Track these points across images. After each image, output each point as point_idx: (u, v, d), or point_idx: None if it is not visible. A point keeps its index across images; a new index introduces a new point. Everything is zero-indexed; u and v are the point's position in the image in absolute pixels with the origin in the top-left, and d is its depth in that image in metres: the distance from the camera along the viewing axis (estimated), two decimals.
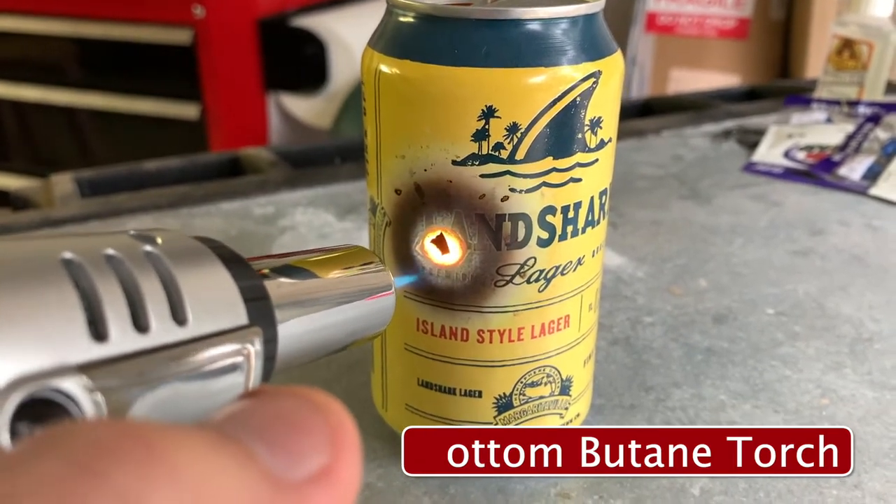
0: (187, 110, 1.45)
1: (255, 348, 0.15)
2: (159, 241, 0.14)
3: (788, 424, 0.33)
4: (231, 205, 0.55)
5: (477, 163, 0.25)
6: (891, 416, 0.33)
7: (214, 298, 0.14)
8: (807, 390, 0.35)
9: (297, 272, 0.19)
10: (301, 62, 1.44)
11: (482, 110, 0.24)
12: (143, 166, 0.63)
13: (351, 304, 0.21)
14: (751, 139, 0.67)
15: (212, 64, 1.41)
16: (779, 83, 0.89)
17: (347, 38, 1.37)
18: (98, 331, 0.12)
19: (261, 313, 0.16)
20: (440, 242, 0.26)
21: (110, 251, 0.13)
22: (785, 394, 0.35)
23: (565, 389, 0.29)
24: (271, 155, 0.65)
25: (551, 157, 0.25)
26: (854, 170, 0.58)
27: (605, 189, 0.28)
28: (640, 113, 0.79)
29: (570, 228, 0.26)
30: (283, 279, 0.18)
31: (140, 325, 0.13)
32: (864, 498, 0.29)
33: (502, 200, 0.25)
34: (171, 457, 0.09)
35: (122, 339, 0.12)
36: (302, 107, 1.45)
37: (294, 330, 0.17)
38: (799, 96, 0.68)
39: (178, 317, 0.14)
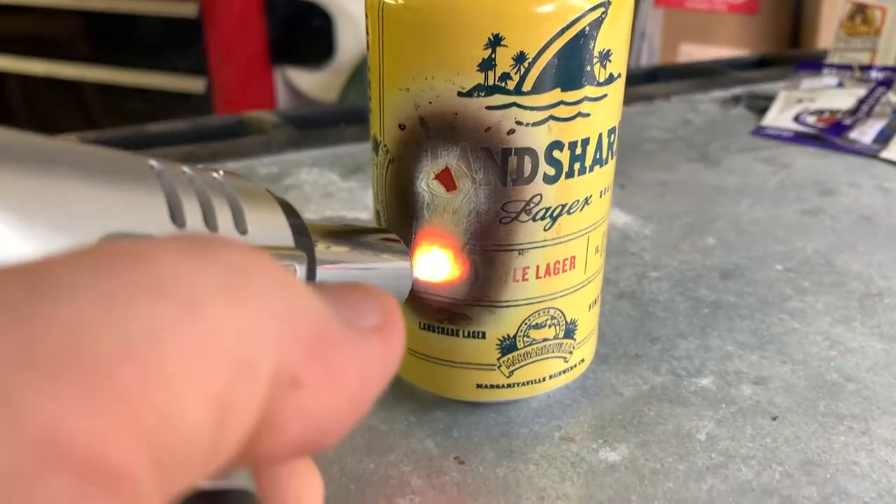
0: (194, 84, 1.44)
1: (300, 268, 0.17)
2: (222, 173, 0.17)
3: (796, 375, 0.33)
4: (235, 165, 0.55)
5: (483, 94, 0.24)
6: None
7: (269, 222, 0.17)
8: (815, 342, 0.35)
9: (331, 233, 0.21)
10: (307, 35, 1.43)
11: (489, 39, 0.23)
12: (147, 128, 0.63)
13: (374, 271, 0.23)
14: (760, 105, 0.66)
15: (218, 37, 1.40)
16: (789, 52, 0.88)
17: (354, 10, 1.36)
18: (177, 219, 0.14)
19: (304, 247, 0.18)
20: (445, 178, 0.26)
21: (187, 169, 0.15)
22: (793, 345, 0.35)
23: (570, 333, 0.29)
24: (276, 118, 0.64)
25: (559, 90, 0.24)
26: (865, 133, 0.57)
27: (614, 127, 0.27)
28: (647, 81, 0.78)
29: (577, 166, 0.26)
30: (320, 233, 0.20)
31: (210, 225, 0.15)
32: (872, 444, 0.29)
33: (508, 134, 0.25)
34: (267, 258, 0.11)
35: (195, 229, 0.14)
36: (308, 80, 1.44)
37: (324, 276, 0.20)
38: (810, 62, 0.67)
39: (240, 227, 0.16)
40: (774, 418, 0.30)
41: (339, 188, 0.51)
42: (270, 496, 0.14)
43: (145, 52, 1.48)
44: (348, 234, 0.23)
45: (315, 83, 1.45)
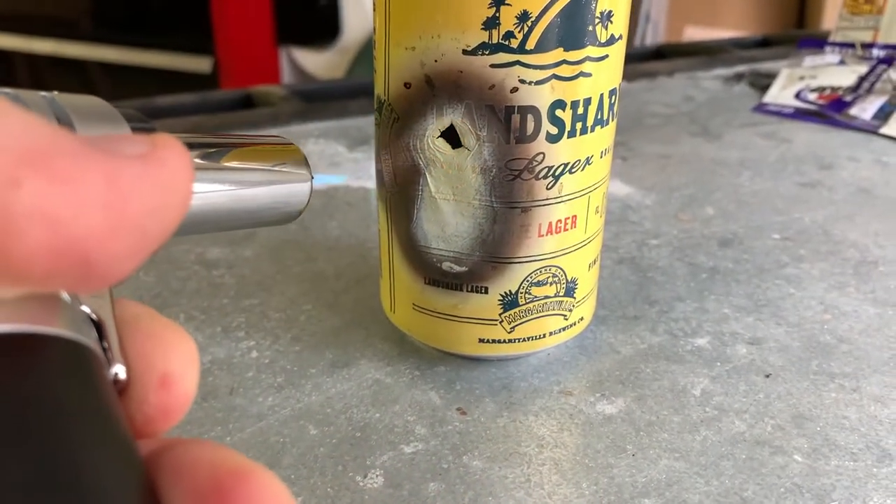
0: (200, 64, 1.45)
1: None
2: (56, 93, 0.16)
3: (790, 336, 0.33)
4: None
5: (487, 52, 0.25)
6: (892, 329, 0.34)
7: (103, 130, 0.16)
8: (810, 306, 0.36)
9: (209, 147, 0.20)
10: (313, 15, 1.43)
11: None
12: (156, 101, 0.63)
13: (255, 176, 0.20)
14: (763, 82, 0.66)
15: (224, 17, 1.40)
16: (792, 32, 0.88)
17: None
18: None
19: None
20: (450, 136, 0.27)
21: (7, 90, 0.15)
22: (788, 309, 0.35)
23: (570, 291, 0.30)
24: (283, 91, 0.65)
25: (562, 49, 0.25)
26: (865, 110, 0.58)
27: (615, 89, 0.28)
28: (651, 58, 0.79)
29: (579, 125, 0.27)
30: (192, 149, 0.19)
31: None
32: (862, 400, 0.29)
33: (512, 92, 0.25)
34: None
35: None
36: (314, 61, 1.44)
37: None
38: (812, 39, 0.67)
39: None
40: (768, 376, 0.31)
41: (346, 158, 0.52)
42: (133, 358, 0.14)
43: (152, 32, 1.48)
44: (232, 145, 0.21)
45: (321, 63, 1.45)
